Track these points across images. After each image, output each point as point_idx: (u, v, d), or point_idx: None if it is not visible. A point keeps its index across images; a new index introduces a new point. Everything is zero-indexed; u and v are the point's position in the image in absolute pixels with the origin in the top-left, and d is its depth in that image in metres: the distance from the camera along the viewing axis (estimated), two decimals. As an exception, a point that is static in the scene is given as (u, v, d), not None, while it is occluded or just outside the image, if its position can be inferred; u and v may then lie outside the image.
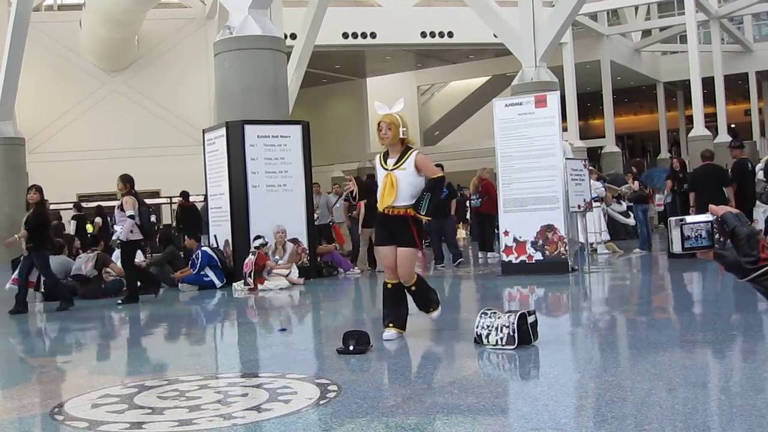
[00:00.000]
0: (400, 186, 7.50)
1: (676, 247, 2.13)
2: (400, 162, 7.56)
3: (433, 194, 7.51)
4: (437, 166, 8.25)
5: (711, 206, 2.12)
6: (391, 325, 7.72)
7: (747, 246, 2.05)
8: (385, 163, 7.68)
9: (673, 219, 2.12)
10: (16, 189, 26.75)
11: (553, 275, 13.11)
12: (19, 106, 29.51)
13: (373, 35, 34.95)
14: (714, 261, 2.14)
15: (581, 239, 14.91)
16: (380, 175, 7.71)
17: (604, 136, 41.54)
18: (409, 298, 7.87)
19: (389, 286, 7.76)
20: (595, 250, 17.57)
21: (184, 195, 22.94)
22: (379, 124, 7.63)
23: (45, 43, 33.71)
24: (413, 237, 7.63)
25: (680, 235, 2.11)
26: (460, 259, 16.79)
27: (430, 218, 7.75)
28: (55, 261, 14.57)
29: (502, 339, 6.80)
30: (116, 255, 16.12)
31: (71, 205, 26.02)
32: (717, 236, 2.10)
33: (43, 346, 9.82)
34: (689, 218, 2.11)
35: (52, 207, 32.36)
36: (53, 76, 34.34)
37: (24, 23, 25.65)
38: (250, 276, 13.82)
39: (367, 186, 8.59)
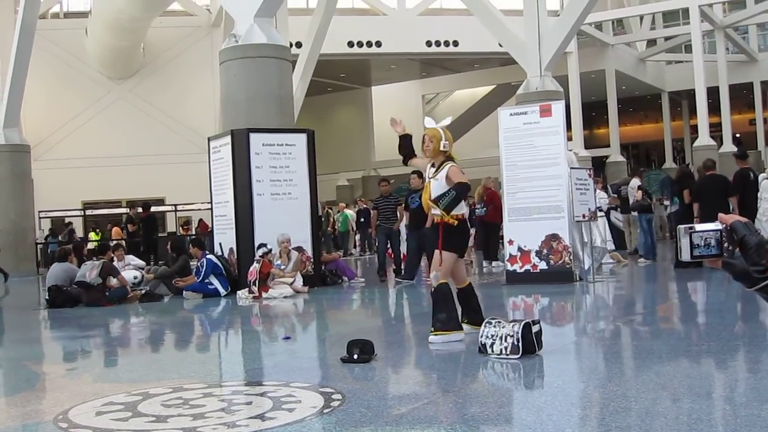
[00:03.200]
0: (432, 193, 7.89)
1: (685, 255, 2.13)
2: (437, 172, 7.98)
3: (457, 194, 7.71)
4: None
5: (720, 215, 2.12)
6: (466, 321, 8.10)
7: (756, 255, 2.05)
8: (430, 171, 8.13)
9: (682, 227, 2.13)
10: (21, 196, 26.84)
11: (557, 284, 13.10)
12: (25, 113, 29.55)
13: (378, 44, 35.04)
14: (722, 270, 2.14)
15: (599, 244, 14.90)
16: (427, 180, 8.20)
17: (608, 146, 41.50)
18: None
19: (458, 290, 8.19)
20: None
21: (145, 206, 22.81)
22: (423, 137, 8.08)
23: (51, 51, 33.80)
24: (451, 241, 7.94)
25: (689, 243, 2.11)
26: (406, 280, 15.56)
27: (446, 213, 7.83)
28: (60, 268, 14.62)
29: (506, 348, 6.80)
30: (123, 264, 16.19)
31: (138, 208, 25.59)
32: (726, 245, 2.10)
33: (47, 353, 9.82)
34: (698, 226, 2.12)
35: (56, 214, 32.68)
36: (59, 83, 34.43)
37: (30, 31, 25.71)
38: (254, 284, 13.82)
39: None
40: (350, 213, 30.89)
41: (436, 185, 7.88)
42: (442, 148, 7.97)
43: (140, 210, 23.18)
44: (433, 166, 8.06)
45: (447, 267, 7.92)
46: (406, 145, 8.44)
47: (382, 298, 14.48)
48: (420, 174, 14.55)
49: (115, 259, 16.09)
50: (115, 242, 22.44)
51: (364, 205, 30.17)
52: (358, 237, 31.35)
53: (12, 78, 26.30)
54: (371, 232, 30.03)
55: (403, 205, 16.14)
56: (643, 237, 18.31)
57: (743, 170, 15.48)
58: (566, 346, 7.84)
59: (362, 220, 29.08)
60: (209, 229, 20.27)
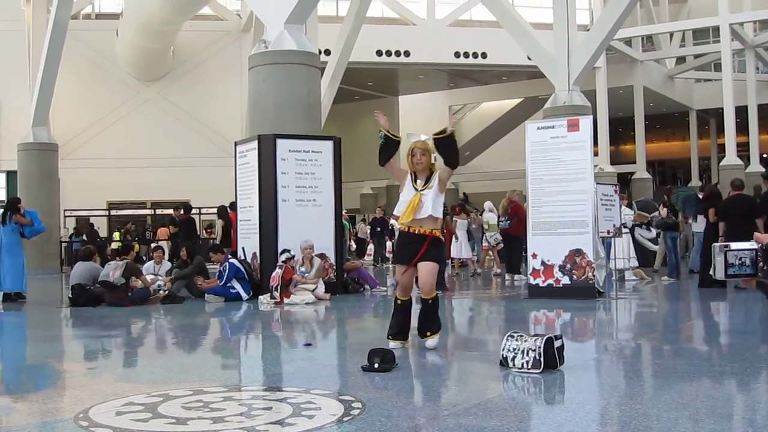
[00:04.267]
0: (424, 202, 7.96)
1: (719, 273, 2.12)
2: (428, 183, 8.04)
3: (453, 143, 8.04)
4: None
5: (756, 234, 2.11)
6: (390, 337, 8.30)
7: None
8: (415, 183, 8.10)
9: (717, 245, 2.11)
10: (48, 194, 27.03)
11: (580, 300, 13.04)
12: (54, 112, 29.78)
13: (406, 54, 35.09)
14: (756, 289, 2.13)
15: (609, 265, 14.81)
16: (409, 193, 8.11)
17: (634, 162, 41.36)
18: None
19: (399, 302, 8.38)
20: (623, 276, 17.45)
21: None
22: (412, 150, 8.06)
23: (81, 51, 34.04)
24: (438, 253, 8.20)
25: (724, 261, 2.10)
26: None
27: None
28: (84, 267, 14.70)
29: (528, 362, 6.77)
30: (146, 267, 16.26)
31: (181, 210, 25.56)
32: (761, 264, 2.08)
33: (68, 352, 9.86)
34: (734, 245, 2.10)
35: (81, 213, 32.89)
36: (88, 83, 34.65)
37: (62, 31, 25.87)
38: (276, 290, 13.84)
39: None
40: (346, 223, 30.54)
41: (430, 194, 7.97)
42: (432, 161, 8.08)
43: (182, 212, 23.21)
44: (416, 179, 8.09)
45: (434, 278, 8.17)
46: (393, 146, 8.26)
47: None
48: None
49: (153, 261, 16.25)
50: (155, 245, 22.48)
51: (382, 214, 30.03)
52: (371, 246, 31.03)
53: (42, 77, 26.49)
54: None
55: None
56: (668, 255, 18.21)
57: (770, 190, 15.36)
58: (587, 362, 7.81)
59: (378, 229, 28.92)
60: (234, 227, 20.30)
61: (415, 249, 8.04)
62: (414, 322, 8.42)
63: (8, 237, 15.71)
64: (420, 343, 8.25)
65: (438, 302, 8.27)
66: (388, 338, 8.30)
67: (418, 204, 7.95)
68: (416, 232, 8.04)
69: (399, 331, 8.31)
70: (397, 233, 9.77)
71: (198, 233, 23.95)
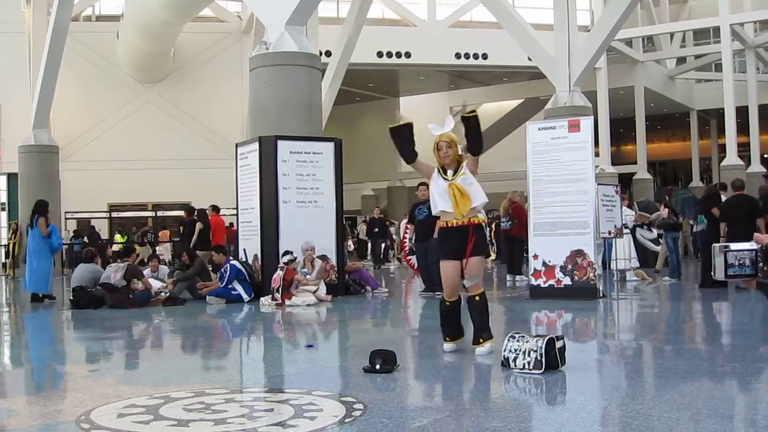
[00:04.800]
0: (468, 191, 7.76)
1: (719, 274, 2.12)
2: (458, 172, 7.82)
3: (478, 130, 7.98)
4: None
5: (756, 235, 2.11)
6: (448, 339, 8.05)
7: None
8: (445, 174, 7.87)
9: (717, 246, 2.11)
10: (49, 196, 26.88)
11: (581, 300, 13.04)
12: (55, 114, 29.79)
13: (407, 55, 35.06)
14: (756, 290, 2.13)
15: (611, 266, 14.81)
16: (440, 185, 7.88)
17: (635, 163, 41.35)
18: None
19: (448, 304, 8.00)
20: (625, 276, 17.45)
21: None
22: (438, 144, 7.86)
23: (82, 53, 34.04)
24: (484, 245, 7.93)
25: (724, 262, 2.09)
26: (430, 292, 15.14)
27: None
28: (85, 269, 14.71)
29: (529, 363, 6.78)
30: (148, 272, 16.27)
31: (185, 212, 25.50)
32: (761, 265, 2.08)
33: (70, 354, 9.86)
34: (734, 246, 2.10)
35: (82, 215, 32.87)
36: (89, 85, 34.64)
37: (62, 33, 25.85)
38: (277, 291, 13.84)
39: None
40: None
41: (466, 180, 7.77)
42: (460, 152, 7.90)
43: (194, 214, 23.22)
44: (443, 171, 7.88)
45: (482, 272, 7.97)
46: (408, 137, 8.03)
47: (405, 308, 14.48)
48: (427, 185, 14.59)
49: (149, 269, 16.25)
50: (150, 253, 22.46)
51: (380, 215, 29.78)
52: (369, 247, 30.53)
53: (43, 79, 26.47)
54: (387, 242, 29.73)
55: (408, 217, 16.10)
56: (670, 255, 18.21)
57: (772, 190, 15.37)
58: (589, 362, 7.81)
59: (376, 230, 28.49)
60: (235, 230, 20.26)
61: (459, 244, 7.79)
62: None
63: (36, 240, 15.85)
64: (421, 343, 8.24)
65: (486, 300, 7.95)
66: (444, 341, 8.07)
67: (464, 194, 7.70)
68: (457, 225, 7.75)
69: (453, 332, 8.07)
70: (436, 232, 9.41)
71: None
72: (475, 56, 35.74)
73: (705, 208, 16.34)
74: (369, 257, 30.21)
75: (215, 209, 21.56)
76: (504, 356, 6.98)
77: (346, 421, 5.27)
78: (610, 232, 13.93)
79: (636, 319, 12.26)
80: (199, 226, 19.85)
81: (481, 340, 7.83)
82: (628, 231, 17.43)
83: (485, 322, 7.91)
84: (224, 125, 34.77)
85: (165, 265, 20.51)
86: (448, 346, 8.01)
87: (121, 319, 12.45)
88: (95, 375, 7.74)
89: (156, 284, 15.28)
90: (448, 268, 7.88)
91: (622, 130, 48.80)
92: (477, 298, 7.85)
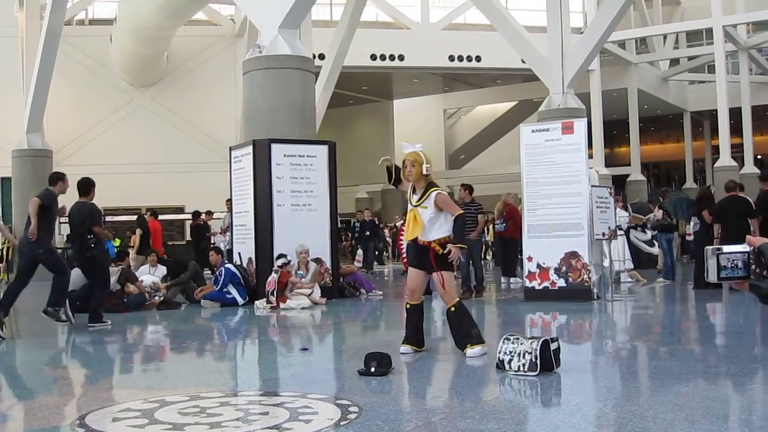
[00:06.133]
0: (423, 222, 7.94)
1: (712, 277, 2.12)
2: (422, 199, 7.97)
3: (461, 225, 7.97)
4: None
5: (748, 237, 2.11)
6: (404, 342, 8.27)
7: None
8: (412, 197, 8.11)
9: (709, 248, 2.12)
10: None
11: (575, 302, 13.06)
12: (48, 118, 29.72)
13: (401, 57, 35.05)
14: (748, 292, 2.13)
15: (605, 264, 14.81)
16: (409, 207, 8.14)
17: (629, 164, 41.38)
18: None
19: (409, 306, 8.33)
20: (619, 278, 17.46)
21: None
22: (404, 161, 8.11)
23: (75, 57, 33.94)
24: (445, 261, 7.95)
25: (716, 264, 2.10)
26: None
27: (464, 247, 8.10)
28: (79, 273, 14.64)
29: (524, 365, 6.79)
30: (141, 270, 16.26)
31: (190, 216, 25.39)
32: (753, 267, 2.08)
33: (65, 359, 9.85)
34: (726, 248, 2.10)
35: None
36: (82, 89, 34.53)
37: (55, 36, 25.84)
38: (272, 294, 13.83)
39: None
40: None
41: (426, 213, 7.91)
42: (424, 172, 7.99)
43: (201, 218, 23.23)
44: (414, 191, 8.10)
45: (452, 285, 8.16)
46: (396, 172, 8.45)
47: (400, 311, 14.47)
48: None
49: (148, 265, 16.31)
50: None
51: (370, 217, 29.36)
52: (360, 252, 28.63)
53: (36, 83, 26.45)
54: (381, 245, 29.41)
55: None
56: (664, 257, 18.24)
57: (766, 192, 15.35)
58: (584, 364, 7.82)
59: (367, 233, 27.78)
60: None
61: (422, 259, 8.05)
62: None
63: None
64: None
65: (462, 309, 8.08)
66: (402, 343, 8.28)
67: (418, 221, 7.93)
68: (420, 243, 8.03)
69: (410, 335, 8.26)
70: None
71: (204, 239, 23.86)
72: (469, 59, 35.73)
73: (698, 209, 16.37)
74: (357, 262, 28.83)
75: (154, 214, 21.76)
76: (499, 358, 6.99)
77: (342, 424, 5.27)
78: (604, 234, 13.94)
79: (630, 321, 12.26)
80: (139, 231, 20.03)
81: (469, 346, 7.91)
82: (622, 233, 17.44)
83: (467, 329, 8.02)
84: (218, 129, 34.70)
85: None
86: (403, 348, 8.19)
87: (116, 323, 12.41)
88: (90, 379, 7.73)
89: (149, 279, 15.27)
90: (412, 273, 8.28)
91: (615, 131, 48.84)
92: (452, 309, 8.05)
